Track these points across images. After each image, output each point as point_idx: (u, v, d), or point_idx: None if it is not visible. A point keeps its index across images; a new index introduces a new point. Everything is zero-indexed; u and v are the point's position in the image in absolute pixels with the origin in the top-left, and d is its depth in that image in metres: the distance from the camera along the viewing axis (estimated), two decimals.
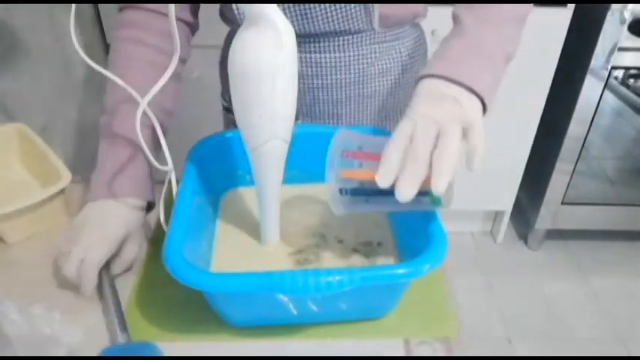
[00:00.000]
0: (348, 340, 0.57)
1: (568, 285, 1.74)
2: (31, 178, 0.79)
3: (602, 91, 1.48)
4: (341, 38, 0.71)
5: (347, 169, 0.52)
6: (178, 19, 0.69)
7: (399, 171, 0.47)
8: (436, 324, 0.58)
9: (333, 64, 0.73)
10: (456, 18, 0.60)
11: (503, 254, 1.87)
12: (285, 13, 0.67)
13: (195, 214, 0.60)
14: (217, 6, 0.76)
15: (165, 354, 0.55)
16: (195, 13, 0.74)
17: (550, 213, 1.75)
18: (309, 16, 0.68)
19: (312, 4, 0.67)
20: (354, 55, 0.73)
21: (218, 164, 0.69)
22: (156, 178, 0.70)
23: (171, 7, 0.53)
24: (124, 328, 0.55)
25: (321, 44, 0.72)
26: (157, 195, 0.69)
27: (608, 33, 1.38)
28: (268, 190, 0.60)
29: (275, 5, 0.49)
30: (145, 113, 0.60)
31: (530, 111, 1.57)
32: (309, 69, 0.74)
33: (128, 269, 0.64)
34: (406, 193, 0.47)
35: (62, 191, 0.70)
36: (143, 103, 0.60)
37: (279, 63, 0.50)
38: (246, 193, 0.72)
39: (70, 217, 0.74)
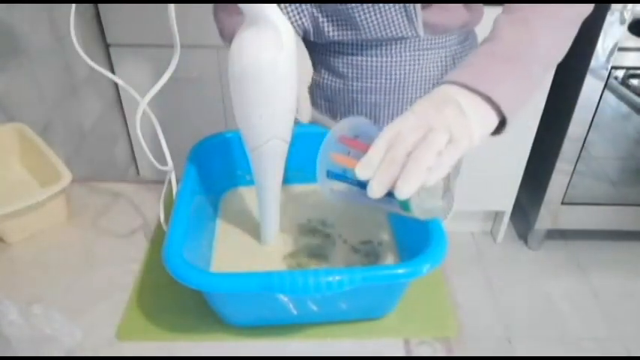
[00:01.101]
0: (348, 340, 0.57)
1: (568, 285, 1.74)
2: (31, 178, 0.79)
3: (602, 91, 1.48)
4: (384, 43, 0.70)
5: (338, 152, 0.53)
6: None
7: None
8: (436, 324, 0.58)
9: (375, 68, 0.72)
10: (494, 21, 0.58)
11: (503, 254, 1.86)
12: (326, 19, 0.67)
13: (195, 214, 0.60)
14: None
15: (166, 354, 0.55)
16: None
17: (550, 213, 1.74)
18: (348, 23, 0.66)
19: (349, 12, 0.65)
20: (396, 61, 0.71)
21: (218, 164, 0.70)
22: (156, 178, 0.70)
23: (171, 7, 0.53)
24: None
25: (364, 48, 0.70)
26: (157, 195, 0.69)
27: (608, 33, 1.38)
28: (268, 190, 0.60)
29: (275, 5, 0.49)
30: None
31: (530, 111, 1.57)
32: (351, 71, 0.73)
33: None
34: (375, 190, 0.46)
35: (62, 191, 0.70)
36: (143, 103, 0.60)
37: (279, 63, 0.50)
38: (246, 193, 0.72)
39: (70, 217, 0.74)
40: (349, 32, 0.68)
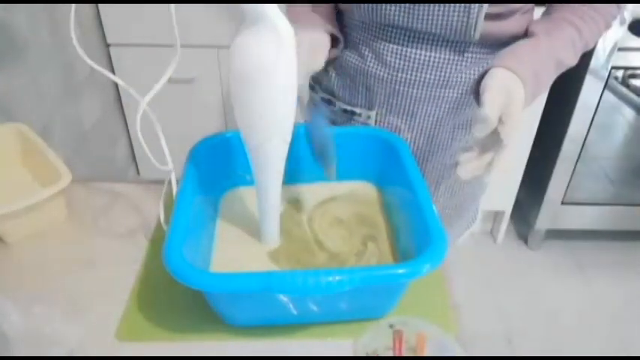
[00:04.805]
0: (348, 340, 0.57)
1: (568, 285, 1.74)
2: (31, 178, 0.79)
3: (602, 91, 1.48)
4: (437, 39, 0.70)
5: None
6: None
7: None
8: (436, 324, 0.58)
9: (422, 62, 0.72)
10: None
11: (503, 254, 1.86)
12: (386, 4, 0.67)
13: (195, 214, 0.60)
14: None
15: (166, 354, 0.55)
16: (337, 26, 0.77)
17: (550, 213, 1.74)
18: (410, 11, 0.67)
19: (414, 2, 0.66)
20: (445, 58, 0.71)
21: (218, 164, 0.70)
22: (156, 178, 0.70)
23: (172, 7, 0.53)
24: None
25: (416, 42, 0.71)
26: (157, 195, 0.69)
27: (608, 33, 1.38)
28: (268, 190, 0.60)
29: (275, 5, 0.49)
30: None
31: (530, 111, 1.57)
32: (397, 61, 0.73)
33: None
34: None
35: (62, 191, 0.69)
36: (143, 103, 0.60)
37: (279, 63, 0.50)
38: (246, 193, 0.72)
39: (70, 217, 0.74)
40: (406, 19, 0.67)
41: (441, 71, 0.72)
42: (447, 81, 0.73)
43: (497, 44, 0.71)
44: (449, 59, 0.71)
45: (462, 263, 1.82)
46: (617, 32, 1.37)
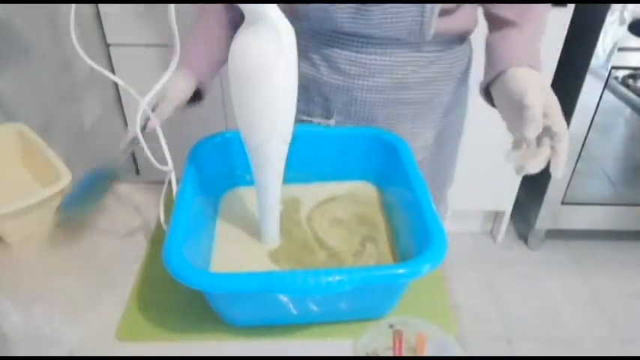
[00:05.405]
0: (348, 340, 0.57)
1: (568, 285, 1.74)
2: (31, 178, 0.79)
3: (602, 91, 1.48)
4: (390, 44, 0.70)
5: None
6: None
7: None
8: (436, 324, 0.58)
9: (378, 67, 0.72)
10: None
11: (503, 254, 1.86)
12: (340, 10, 0.66)
13: (195, 214, 0.60)
14: None
15: (166, 354, 0.55)
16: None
17: (550, 213, 1.74)
18: (364, 17, 0.66)
19: (368, 7, 0.65)
20: (399, 61, 0.72)
21: (218, 164, 0.70)
22: (156, 178, 0.70)
23: (171, 7, 0.53)
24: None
25: (370, 47, 0.71)
26: (157, 195, 0.69)
27: (608, 33, 1.38)
28: (268, 190, 0.60)
29: (275, 5, 0.49)
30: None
31: None
32: (353, 68, 0.72)
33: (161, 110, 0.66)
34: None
35: (62, 191, 0.69)
36: (143, 103, 0.60)
37: (279, 63, 0.50)
38: (246, 193, 0.72)
39: None
40: (360, 25, 0.67)
41: (397, 74, 0.73)
42: (404, 83, 0.73)
43: (450, 40, 0.73)
44: (404, 61, 0.72)
45: (462, 263, 1.82)
46: (617, 32, 1.37)
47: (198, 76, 0.70)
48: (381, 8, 0.65)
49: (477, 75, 0.75)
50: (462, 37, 0.77)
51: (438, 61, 0.74)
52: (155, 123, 0.64)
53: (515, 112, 0.57)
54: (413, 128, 0.79)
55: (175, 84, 0.67)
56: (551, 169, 0.53)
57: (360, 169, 0.74)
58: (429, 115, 0.79)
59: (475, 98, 0.73)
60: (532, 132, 0.52)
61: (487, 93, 0.68)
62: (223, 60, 0.74)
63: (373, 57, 0.71)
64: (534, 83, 0.59)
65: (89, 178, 0.67)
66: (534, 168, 0.53)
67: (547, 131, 0.54)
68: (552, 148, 0.53)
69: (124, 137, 0.65)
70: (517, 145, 0.56)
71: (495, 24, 0.70)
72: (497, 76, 0.64)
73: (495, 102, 0.65)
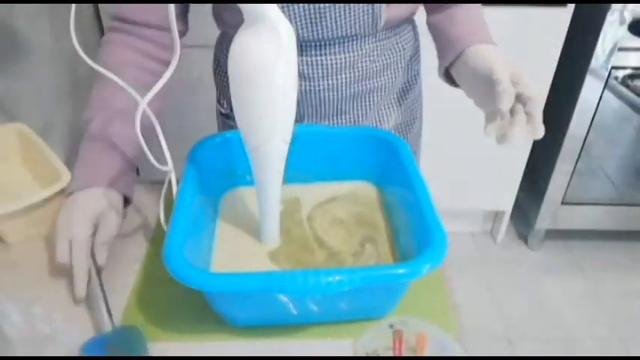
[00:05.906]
0: (348, 340, 0.57)
1: (568, 285, 1.74)
2: (31, 178, 0.79)
3: (602, 91, 1.48)
4: (346, 41, 0.72)
5: None
6: (164, 29, 0.67)
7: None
8: (436, 324, 0.58)
9: (339, 65, 0.74)
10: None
11: (503, 254, 1.86)
12: (293, 19, 0.67)
13: (195, 214, 0.60)
14: (216, 6, 0.76)
15: (166, 354, 0.55)
16: (184, 20, 0.74)
17: (550, 213, 1.74)
18: (317, 21, 0.68)
19: (320, 11, 0.67)
20: (357, 55, 0.74)
21: (218, 164, 0.70)
22: (156, 178, 0.70)
23: (171, 6, 0.53)
24: (110, 315, 0.56)
25: (328, 47, 0.72)
26: (157, 195, 0.69)
27: (608, 33, 1.38)
28: (268, 190, 0.60)
29: (275, 5, 0.49)
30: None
31: None
32: (316, 71, 0.74)
33: (108, 242, 0.62)
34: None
35: (62, 191, 0.69)
36: (143, 103, 0.60)
37: (279, 63, 0.50)
38: (246, 193, 0.72)
39: None
40: (315, 31, 0.69)
41: (358, 68, 0.75)
42: (366, 73, 0.76)
43: (399, 24, 0.76)
44: (362, 54, 0.74)
45: (462, 263, 1.82)
46: (617, 32, 1.37)
47: (119, 189, 0.67)
48: (333, 9, 0.67)
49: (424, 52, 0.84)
50: (409, 20, 0.81)
51: (391, 46, 0.77)
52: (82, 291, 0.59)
53: (483, 87, 0.59)
54: (379, 116, 0.83)
55: (110, 221, 0.62)
56: (532, 134, 0.54)
57: (360, 169, 0.74)
58: (390, 98, 0.83)
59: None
60: (507, 104, 0.53)
61: (447, 74, 0.71)
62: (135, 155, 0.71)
63: (333, 56, 0.73)
64: (497, 58, 0.61)
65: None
66: (519, 138, 0.54)
67: (519, 99, 0.55)
68: (527, 113, 0.54)
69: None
70: (491, 117, 0.57)
71: (437, 6, 0.74)
72: (457, 57, 0.67)
73: (458, 81, 0.69)
